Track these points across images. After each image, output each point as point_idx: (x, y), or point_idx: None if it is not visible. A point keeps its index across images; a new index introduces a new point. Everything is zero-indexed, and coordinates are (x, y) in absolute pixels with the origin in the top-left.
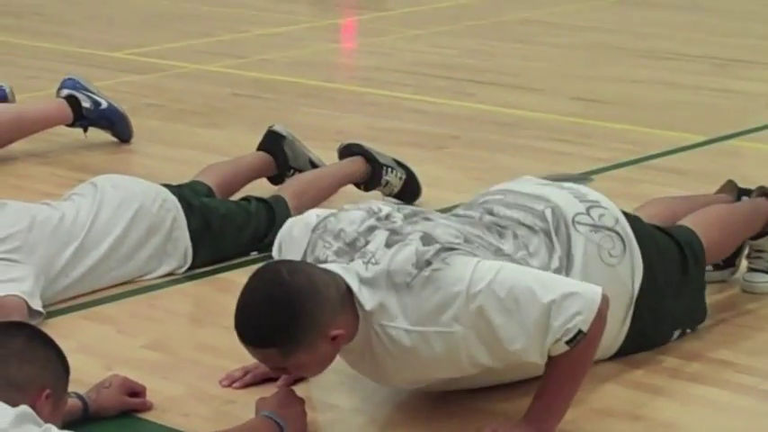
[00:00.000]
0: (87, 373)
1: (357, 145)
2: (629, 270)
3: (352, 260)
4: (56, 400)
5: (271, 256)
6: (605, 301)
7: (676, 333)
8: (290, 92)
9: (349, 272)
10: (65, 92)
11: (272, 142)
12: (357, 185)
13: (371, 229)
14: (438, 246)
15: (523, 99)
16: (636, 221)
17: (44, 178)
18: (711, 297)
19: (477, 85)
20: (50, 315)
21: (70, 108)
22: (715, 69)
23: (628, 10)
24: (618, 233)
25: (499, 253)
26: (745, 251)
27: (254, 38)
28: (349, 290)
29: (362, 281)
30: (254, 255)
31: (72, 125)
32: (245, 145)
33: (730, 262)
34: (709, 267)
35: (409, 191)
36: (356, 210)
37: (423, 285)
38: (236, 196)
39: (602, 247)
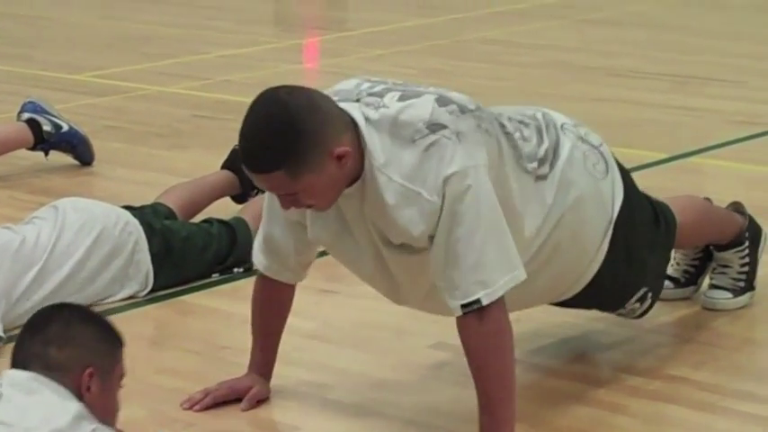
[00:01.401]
0: None
1: None
2: (610, 190)
3: (359, 103)
4: (102, 375)
5: (233, 278)
6: (503, 304)
7: (642, 291)
8: None
9: (356, 110)
10: (25, 115)
11: (237, 161)
12: None
13: (376, 86)
14: (455, 106)
15: None
16: (617, 161)
17: (5, 202)
18: (673, 314)
19: None
20: (11, 339)
21: (31, 131)
22: (675, 87)
23: (589, 28)
24: (602, 154)
25: (503, 127)
26: (709, 269)
27: (217, 59)
28: (355, 126)
29: (368, 121)
30: (215, 277)
31: (33, 148)
32: (207, 166)
33: (693, 280)
34: (670, 285)
35: None
36: (351, 79)
37: (426, 148)
38: (201, 215)
39: (588, 157)
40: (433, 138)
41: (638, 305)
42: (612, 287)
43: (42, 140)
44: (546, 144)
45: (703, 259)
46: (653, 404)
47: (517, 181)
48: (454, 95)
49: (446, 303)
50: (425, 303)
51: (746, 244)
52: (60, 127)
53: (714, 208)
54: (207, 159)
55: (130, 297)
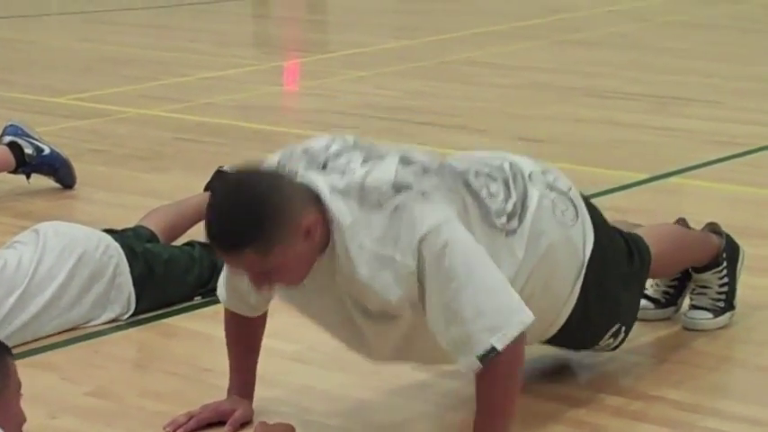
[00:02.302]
0: (32, 422)
1: None
2: (581, 236)
3: (323, 172)
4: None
5: (215, 300)
6: (525, 335)
7: (615, 327)
8: (234, 135)
9: (320, 181)
10: (7, 138)
11: None
12: None
13: (343, 150)
14: (418, 166)
15: (467, 139)
16: (587, 199)
17: None
18: (653, 335)
19: (421, 126)
20: None
21: (12, 154)
22: (655, 107)
23: (569, 49)
24: (571, 199)
25: (467, 185)
26: (689, 290)
27: (198, 81)
28: (319, 198)
29: (333, 190)
30: (198, 300)
31: (14, 172)
32: (189, 189)
33: (673, 300)
34: (651, 305)
35: None
36: (321, 137)
37: (394, 209)
38: (183, 237)
39: (557, 205)
40: (399, 199)
41: (611, 340)
42: (586, 328)
43: (24, 163)
44: (514, 198)
45: (683, 280)
46: (633, 424)
47: (486, 238)
48: (417, 155)
49: (459, 362)
50: (398, 359)
51: (724, 264)
52: (42, 150)
53: (689, 234)
54: (189, 182)
55: (113, 320)
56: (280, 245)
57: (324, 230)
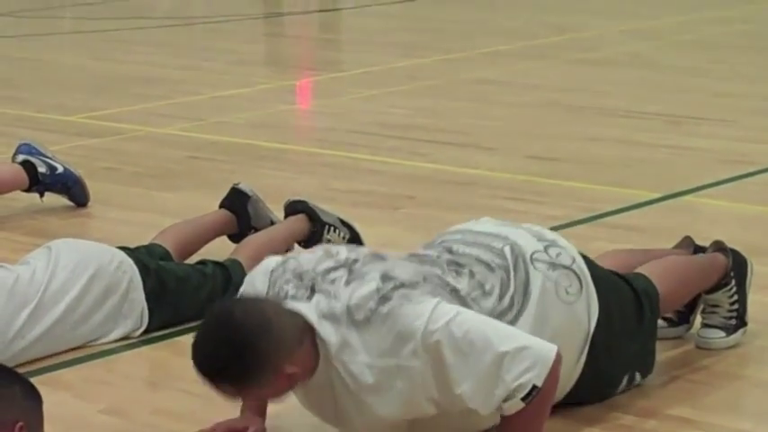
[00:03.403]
0: None
1: (302, 202)
2: (586, 308)
3: (312, 298)
4: (30, 431)
5: None
6: (559, 358)
7: (627, 377)
8: (247, 153)
9: (309, 309)
10: (20, 157)
11: (236, 201)
12: (299, 243)
13: (330, 269)
14: (398, 281)
15: (478, 158)
16: (592, 263)
17: (0, 244)
18: (666, 353)
19: (433, 144)
20: None
21: (26, 173)
22: (668, 126)
23: (581, 68)
24: (575, 272)
25: (454, 293)
26: (700, 307)
27: (210, 100)
28: (309, 327)
29: (323, 316)
30: None
31: (28, 190)
32: (201, 207)
33: (685, 318)
34: (663, 324)
35: None
36: (313, 252)
37: (383, 320)
38: (199, 254)
39: (560, 284)
40: (385, 308)
41: (628, 386)
42: (597, 385)
43: (37, 182)
44: (511, 291)
45: (695, 298)
46: None
47: None
48: (398, 272)
49: (505, 412)
50: None
51: (733, 283)
52: (55, 168)
53: (694, 263)
54: (201, 200)
55: (126, 337)
56: (257, 386)
57: (314, 354)
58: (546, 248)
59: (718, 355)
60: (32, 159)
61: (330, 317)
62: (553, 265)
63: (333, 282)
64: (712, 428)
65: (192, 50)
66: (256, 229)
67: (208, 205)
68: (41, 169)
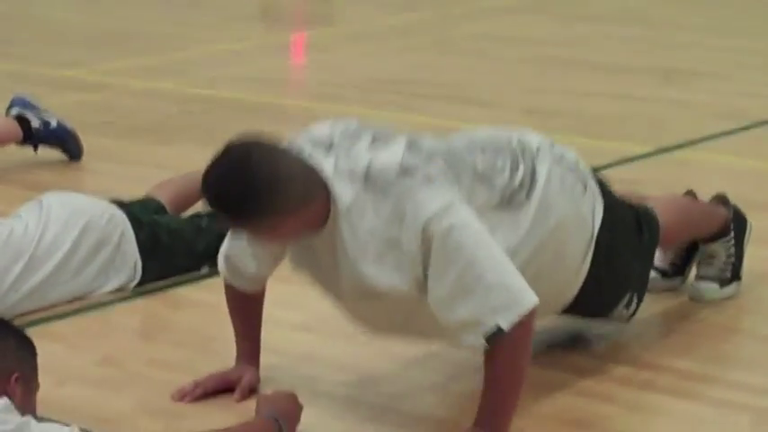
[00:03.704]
0: (39, 390)
1: None
2: (590, 208)
3: (329, 156)
4: (25, 382)
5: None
6: (535, 312)
7: (627, 296)
8: (241, 108)
9: (327, 164)
10: (14, 111)
11: None
12: None
13: (350, 131)
14: (424, 150)
15: (473, 112)
16: (595, 173)
17: None
18: (661, 305)
19: (427, 99)
20: None
21: (20, 127)
22: (662, 81)
23: (575, 23)
24: (580, 172)
25: (473, 170)
26: (696, 260)
27: (204, 55)
28: (323, 183)
29: (340, 174)
30: (204, 270)
31: (22, 144)
32: (195, 161)
33: (680, 271)
34: (657, 276)
35: None
36: (324, 123)
37: (399, 195)
38: (195, 208)
39: (565, 179)
40: (404, 183)
41: (625, 311)
42: (598, 298)
43: (31, 136)
44: (521, 173)
45: (690, 250)
46: (640, 393)
47: (492, 214)
48: (424, 140)
49: (462, 341)
50: (398, 334)
51: (732, 235)
52: (49, 122)
53: (697, 205)
54: (195, 154)
55: (119, 289)
56: (254, 231)
57: (324, 210)
58: (551, 146)
59: (712, 306)
60: (26, 113)
61: (347, 175)
62: (559, 161)
63: (353, 143)
64: (706, 379)
65: (183, 5)
66: None
67: (202, 159)
68: (35, 123)
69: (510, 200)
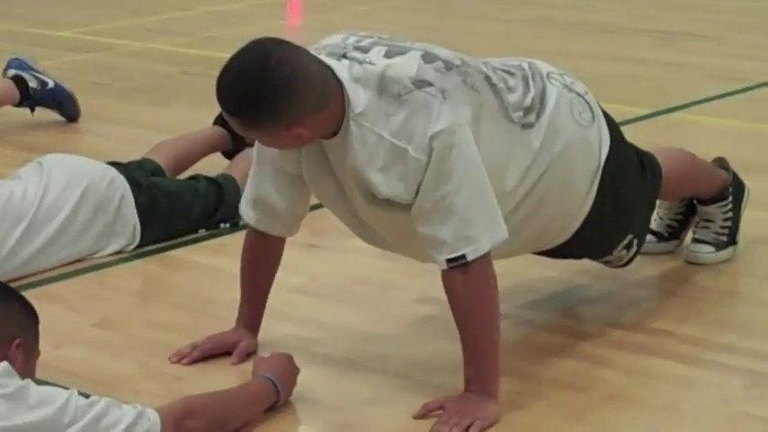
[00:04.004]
0: None
1: None
2: (597, 138)
3: (341, 60)
4: (27, 348)
5: (219, 233)
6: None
7: (628, 238)
8: None
9: (342, 67)
10: (11, 72)
11: None
12: None
13: (363, 39)
14: (440, 62)
15: None
16: (603, 110)
17: None
18: (656, 268)
19: None
20: None
21: (17, 88)
22: (660, 43)
23: None
24: (588, 102)
25: (488, 80)
26: (693, 223)
27: (201, 15)
28: (338, 87)
29: (354, 78)
30: (202, 232)
31: (19, 105)
32: (193, 123)
33: (676, 234)
34: (654, 239)
35: None
36: (338, 33)
37: (413, 105)
38: (192, 169)
39: (574, 105)
40: (419, 95)
41: (624, 252)
42: (600, 233)
43: (28, 97)
44: (532, 93)
45: (686, 214)
46: (636, 357)
47: (501, 132)
48: (440, 51)
49: (430, 255)
50: (396, 248)
51: (730, 199)
52: (46, 83)
53: (699, 161)
54: (193, 115)
55: (118, 252)
56: (263, 132)
57: (339, 114)
58: (561, 75)
59: (707, 270)
60: (23, 74)
61: (362, 81)
62: (568, 88)
63: (367, 51)
64: (703, 343)
65: None
66: (251, 146)
67: (199, 120)
68: (32, 84)
69: (520, 119)
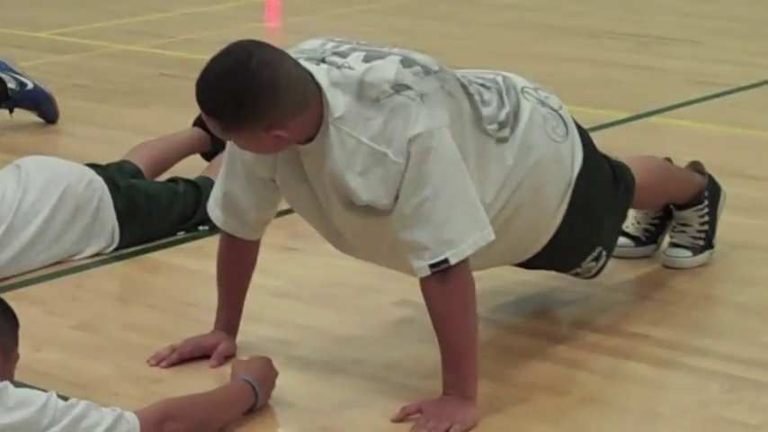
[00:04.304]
0: None
1: None
2: (570, 153)
3: (320, 65)
4: (5, 351)
5: (198, 235)
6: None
7: (597, 250)
8: None
9: (321, 71)
10: None
11: None
12: None
13: (341, 45)
14: (419, 67)
15: None
16: (576, 123)
17: None
18: (633, 272)
19: None
20: None
21: None
22: (638, 47)
23: None
24: (562, 117)
25: (465, 89)
26: (669, 227)
27: (180, 17)
28: (318, 91)
29: (333, 83)
30: (181, 235)
31: None
32: (172, 125)
33: (653, 239)
34: (631, 243)
35: None
36: (316, 38)
37: (391, 109)
38: (171, 172)
39: (548, 121)
40: (397, 99)
41: (593, 264)
42: (570, 247)
43: (7, 98)
44: (507, 108)
45: (663, 218)
46: (612, 360)
47: (477, 143)
48: (418, 57)
49: (410, 263)
50: (367, 257)
51: (706, 203)
52: (25, 84)
53: (674, 168)
54: (171, 117)
55: (97, 254)
56: (242, 135)
57: (317, 119)
58: (536, 89)
59: (684, 274)
60: (2, 75)
61: (341, 85)
62: (542, 103)
63: (346, 56)
64: (678, 347)
65: None
66: None
67: (178, 122)
68: (11, 85)
69: (495, 133)
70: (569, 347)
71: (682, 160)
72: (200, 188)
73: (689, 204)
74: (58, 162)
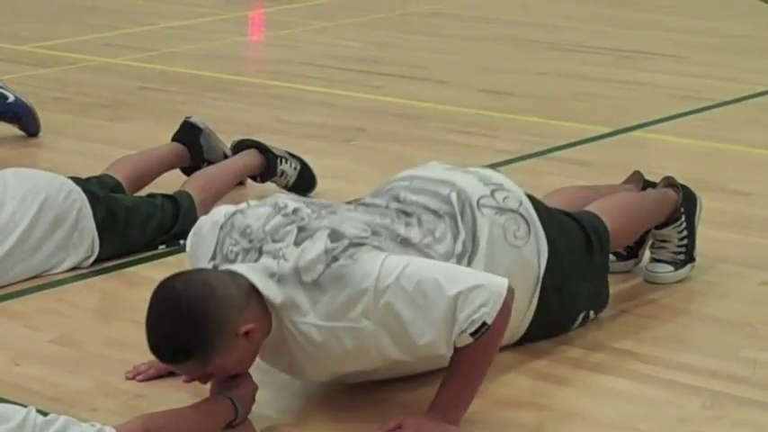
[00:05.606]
0: None
1: (250, 140)
2: (535, 251)
3: (259, 258)
4: None
5: (178, 250)
6: (511, 293)
7: (581, 316)
8: (198, 85)
9: (255, 270)
10: None
11: (188, 134)
12: (253, 178)
13: (279, 226)
14: (346, 241)
15: (430, 91)
16: (539, 204)
17: None
18: (614, 287)
19: (385, 77)
20: None
21: None
22: (620, 61)
23: (535, 2)
24: (522, 215)
25: (405, 243)
26: (649, 242)
27: (162, 30)
28: (253, 287)
29: (270, 277)
30: (161, 248)
31: None
32: (152, 138)
33: (634, 253)
34: (612, 258)
35: (304, 182)
36: (262, 206)
37: (331, 282)
38: (151, 186)
39: (508, 228)
40: (333, 271)
41: (584, 322)
42: (549, 327)
43: None
44: (462, 236)
45: (644, 233)
46: (593, 376)
47: None
48: (347, 229)
49: (453, 347)
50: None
51: (682, 219)
52: (6, 97)
53: (644, 200)
54: (152, 131)
55: (76, 267)
56: (219, 353)
57: (266, 320)
58: (493, 193)
59: (665, 289)
60: None
61: (277, 277)
62: (500, 210)
63: (281, 241)
64: (657, 361)
65: None
66: (209, 162)
67: (159, 136)
68: None
69: (457, 263)
70: (551, 362)
71: (662, 175)
72: (178, 202)
73: (665, 224)
74: (37, 173)
